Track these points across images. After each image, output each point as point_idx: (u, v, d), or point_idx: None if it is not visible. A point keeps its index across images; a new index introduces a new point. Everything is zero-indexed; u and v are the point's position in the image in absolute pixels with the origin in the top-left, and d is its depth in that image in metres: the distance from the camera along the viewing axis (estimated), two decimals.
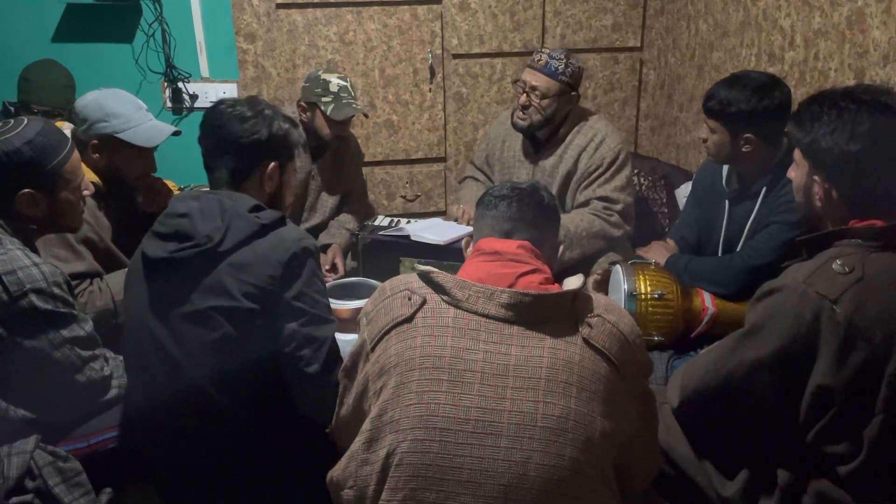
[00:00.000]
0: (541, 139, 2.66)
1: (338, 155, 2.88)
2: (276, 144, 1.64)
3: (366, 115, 2.89)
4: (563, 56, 2.51)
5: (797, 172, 1.48)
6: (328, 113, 2.62)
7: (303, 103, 2.71)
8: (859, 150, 1.31)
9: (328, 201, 2.89)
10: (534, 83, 2.51)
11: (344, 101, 2.64)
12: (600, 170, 2.55)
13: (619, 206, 2.55)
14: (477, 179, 2.92)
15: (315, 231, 2.83)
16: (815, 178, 1.39)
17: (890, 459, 1.28)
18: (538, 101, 2.52)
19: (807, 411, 1.29)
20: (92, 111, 2.02)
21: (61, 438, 1.61)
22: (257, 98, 1.70)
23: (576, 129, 2.61)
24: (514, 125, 2.63)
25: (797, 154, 1.46)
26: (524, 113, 2.56)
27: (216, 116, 1.62)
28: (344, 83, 2.66)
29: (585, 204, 2.58)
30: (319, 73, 2.70)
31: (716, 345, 1.47)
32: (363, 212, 3.02)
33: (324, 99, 2.63)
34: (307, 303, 1.51)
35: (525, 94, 2.54)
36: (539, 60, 2.52)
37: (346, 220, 2.90)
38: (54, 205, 1.65)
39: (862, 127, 1.31)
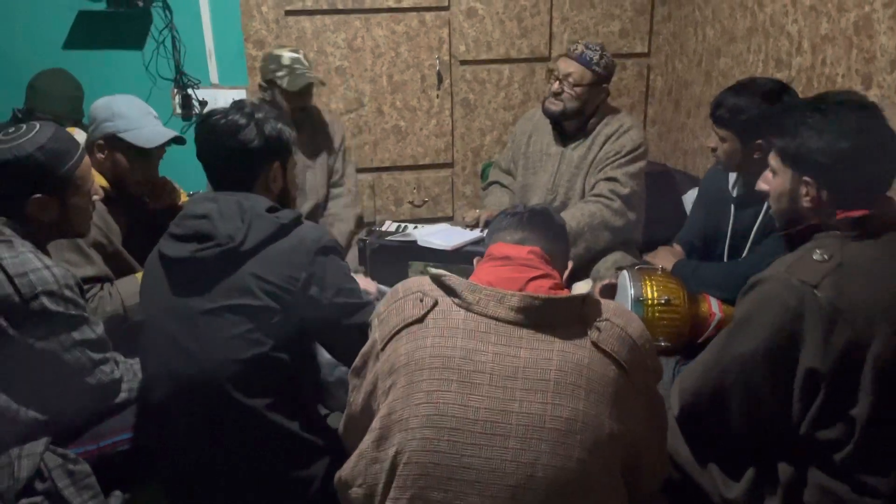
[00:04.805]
0: (569, 131, 2.69)
1: (305, 128, 2.91)
2: (274, 145, 1.66)
3: (322, 84, 2.95)
4: (598, 48, 2.58)
5: (777, 181, 1.51)
6: (284, 85, 2.70)
7: (262, 83, 2.80)
8: (849, 146, 1.36)
9: (316, 179, 2.92)
10: (568, 70, 2.57)
11: (298, 72, 2.72)
12: (618, 155, 2.59)
13: (625, 191, 2.56)
14: (502, 185, 2.94)
15: (312, 216, 2.87)
16: (806, 179, 1.43)
17: (881, 441, 1.30)
18: (570, 88, 2.57)
19: (799, 397, 1.32)
20: (101, 111, 2.06)
21: (71, 441, 1.62)
22: (242, 101, 1.70)
23: (604, 121, 2.65)
24: (546, 111, 2.67)
25: (775, 163, 1.50)
26: (556, 99, 2.61)
27: (210, 131, 1.63)
28: (296, 55, 2.75)
29: (592, 188, 2.61)
30: (272, 51, 2.80)
31: (708, 346, 1.51)
32: (356, 206, 3.05)
33: (278, 73, 2.72)
34: (345, 295, 1.59)
35: (558, 82, 2.59)
36: (575, 50, 2.58)
37: (341, 215, 2.95)
38: (65, 210, 1.65)
39: (848, 124, 1.37)
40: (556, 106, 2.61)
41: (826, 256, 1.33)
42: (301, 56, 2.76)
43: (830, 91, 1.57)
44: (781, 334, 1.31)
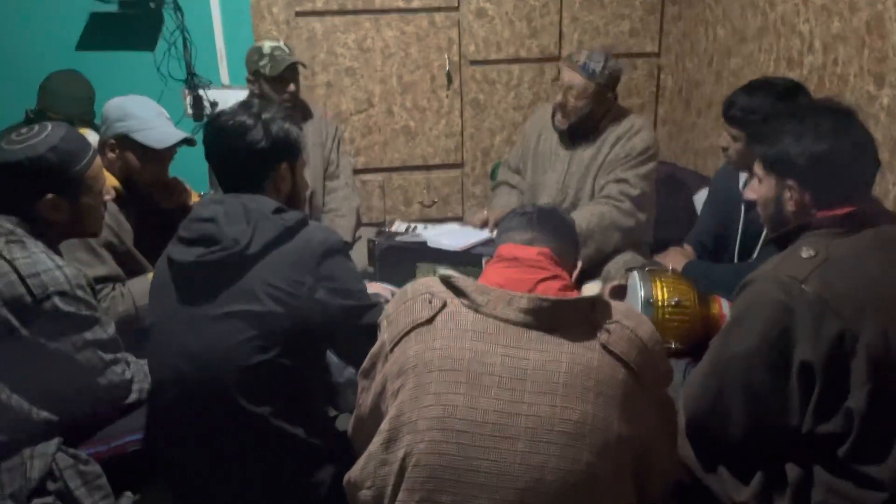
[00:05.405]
0: (579, 132, 2.68)
1: (296, 120, 2.90)
2: (282, 146, 1.65)
3: (304, 66, 2.99)
4: (601, 58, 2.54)
5: (762, 189, 1.54)
6: (267, 72, 2.77)
7: (249, 77, 2.86)
8: (827, 148, 1.41)
9: (311, 172, 2.92)
10: (571, 82, 2.55)
11: (278, 58, 2.79)
12: (628, 157, 2.58)
13: (635, 192, 2.56)
14: (511, 185, 2.93)
15: (309, 208, 2.88)
16: (789, 183, 1.47)
17: (880, 430, 1.31)
18: (574, 100, 2.56)
19: (797, 392, 1.34)
20: (113, 111, 2.08)
21: (82, 441, 1.63)
22: (250, 101, 1.70)
23: (614, 122, 2.65)
24: (555, 128, 2.68)
25: (759, 171, 1.54)
26: (563, 116, 2.61)
27: (218, 133, 1.63)
28: (276, 43, 2.84)
29: (602, 189, 2.60)
30: (254, 44, 2.88)
31: (707, 350, 1.53)
32: (353, 197, 3.06)
33: (261, 63, 2.79)
34: (353, 297, 1.58)
35: (562, 93, 2.59)
36: (578, 60, 2.55)
37: (341, 210, 2.97)
38: (76, 210, 1.66)
39: (824, 127, 1.43)
40: (563, 123, 2.62)
41: (813, 253, 1.37)
42: (281, 44, 2.84)
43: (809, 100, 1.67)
44: (774, 330, 1.34)
